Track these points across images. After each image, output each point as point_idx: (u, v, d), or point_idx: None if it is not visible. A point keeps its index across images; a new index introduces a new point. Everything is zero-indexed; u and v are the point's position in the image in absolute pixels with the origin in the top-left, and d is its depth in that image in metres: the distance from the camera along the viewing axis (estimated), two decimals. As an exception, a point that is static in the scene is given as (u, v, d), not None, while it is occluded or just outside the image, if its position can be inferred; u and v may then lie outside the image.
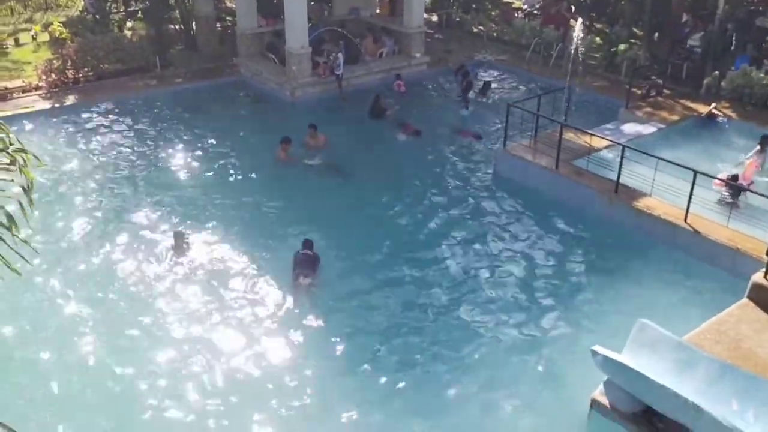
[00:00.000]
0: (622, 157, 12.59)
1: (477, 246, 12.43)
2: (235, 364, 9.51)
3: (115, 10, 23.95)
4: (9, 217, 3.98)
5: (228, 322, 10.28)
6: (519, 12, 26.10)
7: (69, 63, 19.13)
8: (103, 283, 11.05)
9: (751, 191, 11.97)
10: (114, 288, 10.94)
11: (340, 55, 19.10)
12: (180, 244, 11.83)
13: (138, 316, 10.30)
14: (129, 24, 23.63)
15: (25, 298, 10.57)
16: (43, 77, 18.80)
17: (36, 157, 4.20)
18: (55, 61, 19.09)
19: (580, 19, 17.15)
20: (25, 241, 4.30)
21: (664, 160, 12.08)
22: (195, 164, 15.45)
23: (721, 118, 16.66)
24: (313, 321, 10.37)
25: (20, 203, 4.17)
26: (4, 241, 4.09)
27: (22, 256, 4.43)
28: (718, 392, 7.72)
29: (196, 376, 9.26)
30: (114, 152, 15.83)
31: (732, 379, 7.82)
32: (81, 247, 12.04)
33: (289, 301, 10.74)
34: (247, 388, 9.12)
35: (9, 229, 4.09)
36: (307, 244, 11.37)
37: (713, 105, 16.77)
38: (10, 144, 3.99)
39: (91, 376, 9.19)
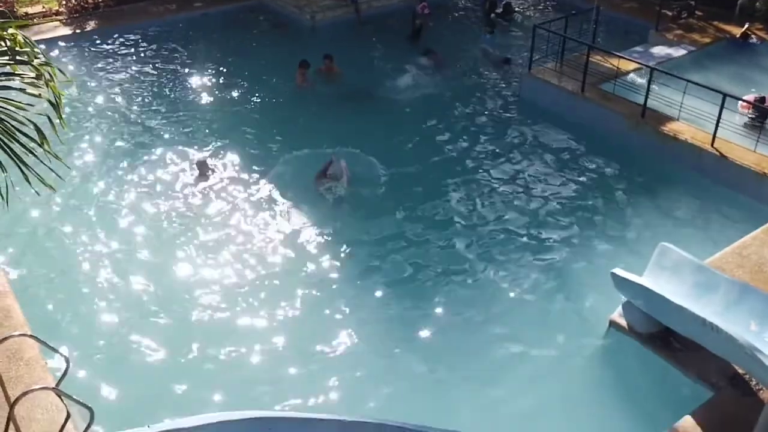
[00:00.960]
0: (649, 81, 12.38)
1: (500, 170, 12.43)
2: (262, 284, 9.74)
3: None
4: (39, 131, 4.04)
5: (256, 246, 10.47)
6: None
7: (88, -13, 18.90)
8: (126, 210, 11.20)
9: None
10: (137, 216, 11.09)
11: None
12: (204, 173, 11.88)
13: (162, 243, 10.50)
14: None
15: (52, 219, 10.85)
16: (63, 2, 18.61)
17: (62, 72, 4.23)
18: (74, -14, 18.87)
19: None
20: (57, 157, 4.38)
21: (692, 83, 11.86)
22: (216, 90, 15.38)
23: (754, 40, 16.12)
24: (338, 239, 10.54)
25: (49, 119, 4.22)
26: (37, 156, 4.16)
27: (55, 173, 4.50)
28: (737, 313, 7.80)
29: (226, 296, 9.52)
30: (135, 78, 15.78)
31: (752, 301, 7.87)
32: (104, 174, 12.15)
33: (315, 219, 10.95)
34: (276, 306, 9.38)
35: (41, 144, 4.15)
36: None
37: (747, 26, 16.21)
38: (36, 58, 4.01)
39: (116, 301, 9.40)
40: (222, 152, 12.77)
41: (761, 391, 7.54)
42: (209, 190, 11.68)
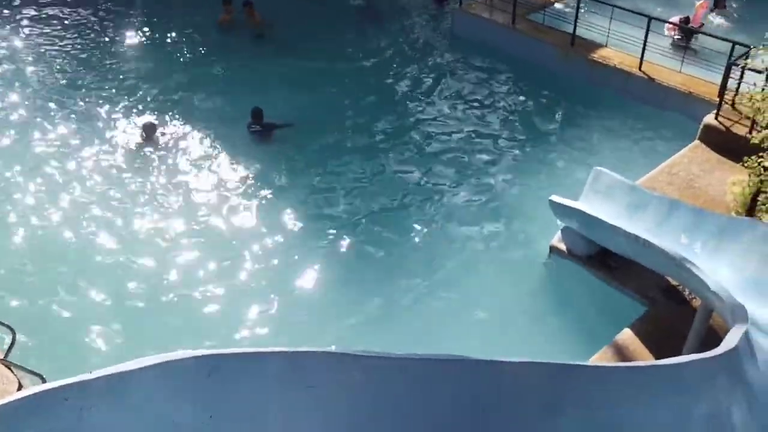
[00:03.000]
0: (577, 9, 12.49)
1: (435, 105, 12.57)
2: (209, 233, 9.74)
3: None
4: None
5: (202, 196, 10.43)
6: None
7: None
8: (69, 177, 10.80)
9: (702, 32, 12.05)
10: (81, 182, 10.71)
11: None
12: (151, 135, 11.36)
13: (110, 204, 10.26)
14: None
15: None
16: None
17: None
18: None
19: None
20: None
21: (619, 8, 12.02)
22: (137, 42, 14.85)
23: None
24: (273, 187, 10.56)
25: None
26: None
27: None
28: (667, 228, 8.11)
29: (175, 249, 9.46)
30: (50, 38, 14.91)
31: (680, 215, 8.15)
32: (35, 137, 11.67)
33: (252, 170, 10.92)
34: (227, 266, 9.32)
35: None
36: (257, 114, 11.45)
37: None
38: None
39: (58, 267, 9.19)
40: (160, 112, 12.31)
41: (694, 300, 7.94)
42: (156, 154, 11.28)
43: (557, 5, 14.03)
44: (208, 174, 10.86)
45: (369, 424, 3.02)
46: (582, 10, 12.57)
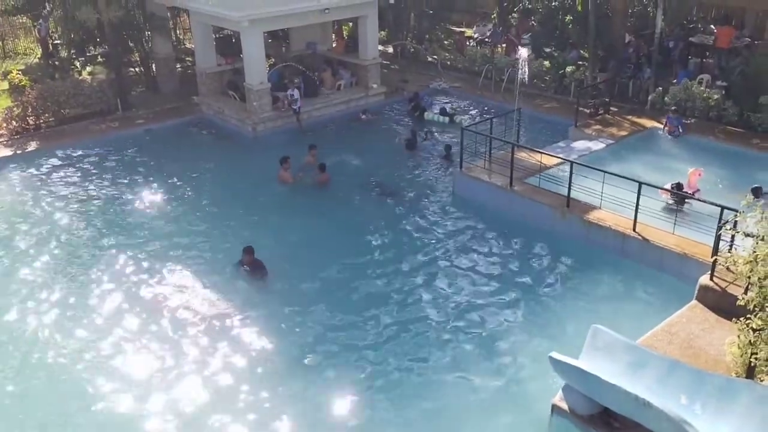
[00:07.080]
0: (570, 173, 13.14)
1: (438, 263, 12.91)
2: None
3: (74, 56, 24.06)
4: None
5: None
6: (470, 40, 26.88)
7: (30, 110, 19.24)
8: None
9: (697, 199, 12.51)
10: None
11: (294, 91, 19.63)
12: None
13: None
14: (89, 69, 23.75)
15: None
16: (4, 125, 18.86)
17: None
18: (15, 109, 19.18)
19: (522, 50, 17.84)
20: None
21: (610, 173, 12.65)
22: (167, 203, 15.52)
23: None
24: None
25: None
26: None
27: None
28: (667, 388, 8.13)
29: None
30: (81, 196, 15.76)
31: (680, 375, 8.23)
32: (57, 287, 12.19)
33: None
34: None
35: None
36: (249, 251, 12.24)
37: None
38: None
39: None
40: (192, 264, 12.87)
41: (699, 465, 7.76)
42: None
43: (552, 170, 14.72)
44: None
45: None
46: (575, 174, 13.22)
